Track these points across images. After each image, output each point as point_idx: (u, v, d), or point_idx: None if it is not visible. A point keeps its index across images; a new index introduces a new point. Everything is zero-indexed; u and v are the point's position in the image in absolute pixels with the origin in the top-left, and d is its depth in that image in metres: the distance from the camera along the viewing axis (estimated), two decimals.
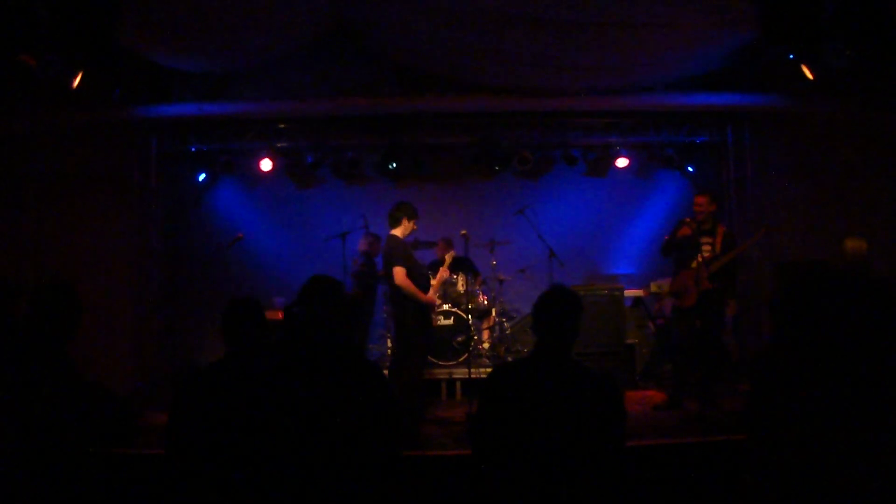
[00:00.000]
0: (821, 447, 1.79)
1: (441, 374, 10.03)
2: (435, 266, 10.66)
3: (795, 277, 9.21)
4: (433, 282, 8.10)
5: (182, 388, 4.16)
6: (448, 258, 8.48)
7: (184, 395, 4.12)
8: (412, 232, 7.99)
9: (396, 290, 7.72)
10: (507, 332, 11.08)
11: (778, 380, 2.93)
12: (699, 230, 8.59)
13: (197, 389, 4.10)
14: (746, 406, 3.17)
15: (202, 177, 12.35)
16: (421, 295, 7.69)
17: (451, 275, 10.58)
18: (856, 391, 1.84)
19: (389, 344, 10.61)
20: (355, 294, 10.34)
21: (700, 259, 8.44)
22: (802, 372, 2.59)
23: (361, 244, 10.79)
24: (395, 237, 7.90)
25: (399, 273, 7.67)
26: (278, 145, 11.97)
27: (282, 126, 11.85)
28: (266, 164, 11.84)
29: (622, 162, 12.15)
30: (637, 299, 11.12)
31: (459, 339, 10.10)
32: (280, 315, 9.87)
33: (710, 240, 8.58)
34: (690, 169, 12.41)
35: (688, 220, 8.77)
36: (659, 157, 12.06)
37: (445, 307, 10.41)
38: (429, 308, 7.78)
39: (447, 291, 10.63)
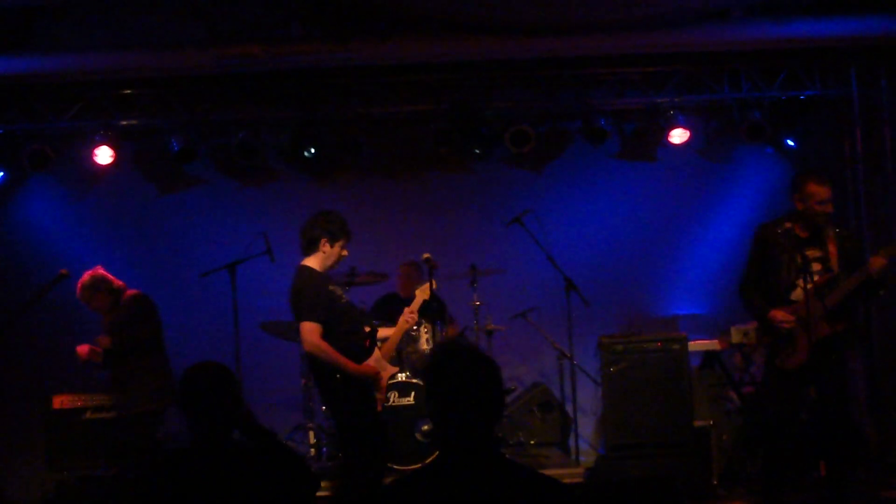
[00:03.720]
0: None
1: None
2: (387, 307, 10.59)
3: None
4: (389, 332, 8.01)
5: None
6: (420, 294, 8.34)
7: None
8: (338, 260, 7.64)
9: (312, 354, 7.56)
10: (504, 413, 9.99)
11: None
12: (799, 240, 7.91)
13: None
14: None
15: None
16: (346, 363, 7.28)
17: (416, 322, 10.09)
18: None
19: (312, 438, 10.43)
20: None
21: (808, 286, 7.72)
22: None
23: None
24: (306, 270, 7.55)
25: (309, 331, 7.29)
26: (123, 124, 11.35)
27: (128, 93, 11.22)
28: (104, 155, 11.11)
29: (679, 135, 11.35)
30: (710, 355, 10.41)
31: (425, 427, 9.61)
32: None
33: (817, 252, 7.88)
34: (790, 143, 11.65)
35: (786, 223, 7.97)
36: (739, 126, 11.40)
37: (401, 377, 9.95)
38: (369, 381, 7.48)
39: (404, 352, 10.26)
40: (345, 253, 7.59)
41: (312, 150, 11.40)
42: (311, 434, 10.35)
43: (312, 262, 7.50)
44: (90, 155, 11.11)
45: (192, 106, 11.32)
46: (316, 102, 11.37)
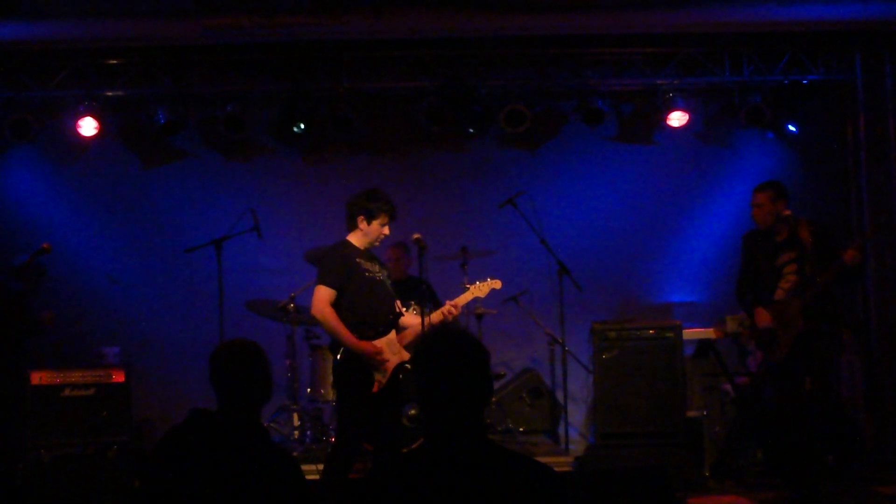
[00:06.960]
0: None
1: None
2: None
3: None
4: (409, 320, 8.08)
5: None
6: (474, 291, 8.40)
7: None
8: (379, 237, 7.94)
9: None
10: (492, 399, 10.03)
11: None
12: (775, 245, 8.58)
13: None
14: None
15: None
16: (345, 335, 7.53)
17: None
18: None
19: (296, 420, 10.64)
20: None
21: (785, 286, 8.40)
22: None
23: None
24: (340, 242, 7.98)
25: (319, 296, 7.65)
26: (109, 94, 11.57)
27: (114, 62, 11.48)
28: (89, 126, 11.34)
29: (678, 118, 11.66)
30: (704, 344, 10.50)
31: (411, 411, 9.84)
32: (118, 376, 10.26)
33: (792, 254, 8.49)
34: (792, 128, 11.81)
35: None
36: (739, 110, 11.63)
37: None
38: (372, 360, 7.64)
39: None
40: (386, 231, 7.85)
41: (302, 126, 11.53)
42: (296, 416, 10.54)
43: (353, 237, 7.85)
44: (74, 126, 11.32)
45: (178, 77, 11.50)
46: (306, 76, 11.55)
